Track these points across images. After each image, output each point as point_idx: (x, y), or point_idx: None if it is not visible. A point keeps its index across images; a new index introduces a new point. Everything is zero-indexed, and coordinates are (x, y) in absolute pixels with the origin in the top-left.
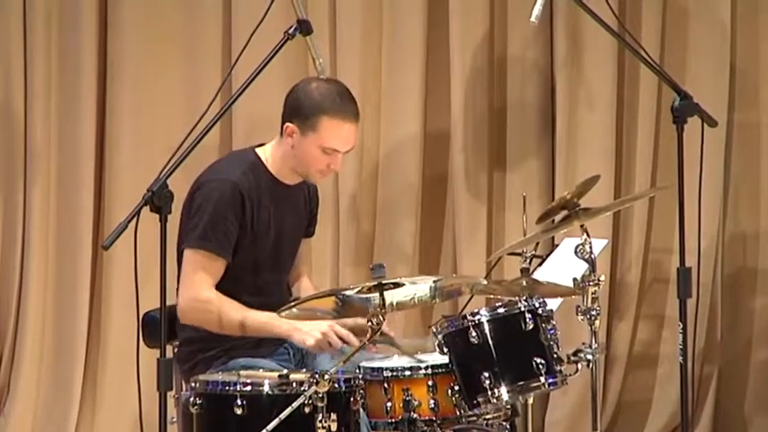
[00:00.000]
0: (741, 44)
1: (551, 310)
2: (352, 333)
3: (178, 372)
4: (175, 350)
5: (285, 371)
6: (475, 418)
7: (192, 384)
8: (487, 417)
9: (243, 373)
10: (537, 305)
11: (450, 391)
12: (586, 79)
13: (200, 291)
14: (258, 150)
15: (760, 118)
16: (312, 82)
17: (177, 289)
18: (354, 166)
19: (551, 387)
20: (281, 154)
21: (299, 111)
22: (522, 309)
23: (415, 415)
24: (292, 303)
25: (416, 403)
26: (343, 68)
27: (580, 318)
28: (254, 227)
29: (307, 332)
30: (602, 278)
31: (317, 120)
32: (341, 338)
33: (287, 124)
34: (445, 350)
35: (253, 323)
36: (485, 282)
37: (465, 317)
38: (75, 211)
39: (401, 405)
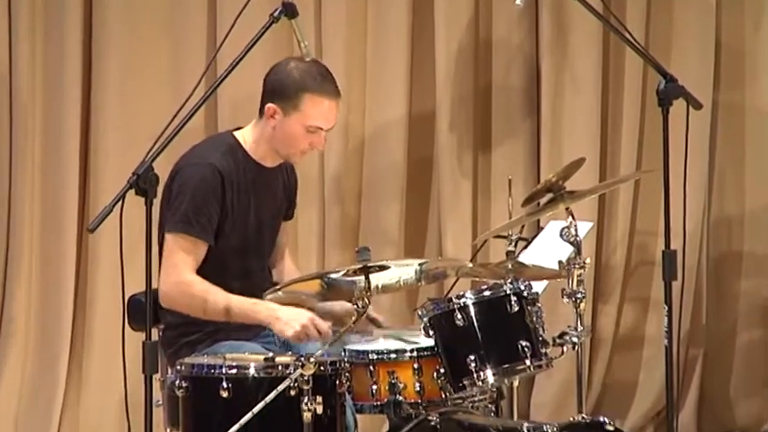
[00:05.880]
0: (727, 25)
1: (537, 293)
2: (339, 318)
3: (162, 355)
4: (160, 334)
5: (271, 354)
6: (460, 401)
7: (178, 367)
8: (473, 399)
9: (228, 356)
10: (522, 288)
11: (435, 374)
12: (571, 62)
13: (182, 274)
14: (236, 134)
15: (745, 100)
16: (291, 62)
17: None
18: (339, 149)
19: (537, 370)
20: (261, 136)
21: (280, 91)
22: (508, 291)
23: (401, 398)
24: (278, 286)
25: (402, 386)
26: (329, 51)
27: (565, 300)
28: (234, 209)
29: (286, 322)
30: (588, 261)
31: (300, 98)
32: (319, 332)
33: (268, 105)
34: (431, 333)
35: (236, 308)
36: (470, 264)
37: (450, 300)
38: (61, 194)
39: (386, 388)
